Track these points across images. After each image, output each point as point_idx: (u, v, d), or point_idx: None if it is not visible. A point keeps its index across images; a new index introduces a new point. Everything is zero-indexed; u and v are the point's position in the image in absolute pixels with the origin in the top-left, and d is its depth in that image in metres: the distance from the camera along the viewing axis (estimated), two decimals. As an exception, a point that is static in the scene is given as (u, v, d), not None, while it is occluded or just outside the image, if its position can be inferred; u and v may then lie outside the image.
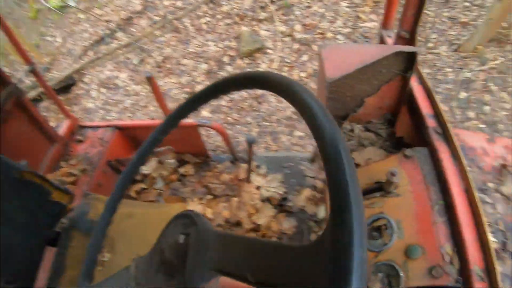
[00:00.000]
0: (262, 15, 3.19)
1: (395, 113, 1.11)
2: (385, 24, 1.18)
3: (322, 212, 1.58)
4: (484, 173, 0.87)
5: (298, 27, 3.07)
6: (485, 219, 0.72)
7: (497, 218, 0.81)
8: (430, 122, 0.91)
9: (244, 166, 1.73)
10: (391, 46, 1.06)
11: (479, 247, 0.71)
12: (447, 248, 0.73)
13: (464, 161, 0.80)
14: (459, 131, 0.92)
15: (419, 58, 0.99)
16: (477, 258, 0.70)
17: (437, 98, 0.94)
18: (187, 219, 0.47)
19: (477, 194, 0.75)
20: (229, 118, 2.71)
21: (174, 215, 0.49)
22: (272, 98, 2.74)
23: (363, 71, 0.95)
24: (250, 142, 1.40)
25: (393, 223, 0.78)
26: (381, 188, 0.85)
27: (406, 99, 1.03)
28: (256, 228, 1.54)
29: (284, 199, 1.65)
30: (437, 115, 0.91)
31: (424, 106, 0.95)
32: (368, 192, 0.87)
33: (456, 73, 2.71)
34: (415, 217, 0.78)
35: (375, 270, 0.78)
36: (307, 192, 1.64)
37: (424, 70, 2.67)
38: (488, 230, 0.71)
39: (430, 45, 2.90)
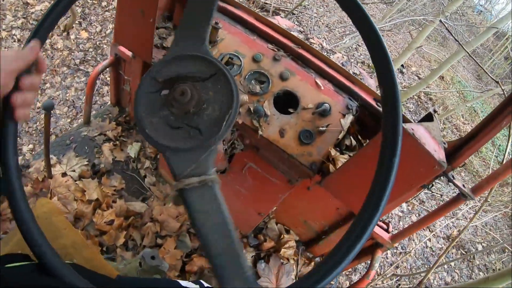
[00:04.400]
0: None
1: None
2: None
3: (132, 151, 1.59)
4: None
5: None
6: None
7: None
8: None
9: (34, 163, 1.42)
10: None
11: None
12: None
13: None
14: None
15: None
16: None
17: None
18: None
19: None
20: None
21: None
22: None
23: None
24: (47, 109, 1.00)
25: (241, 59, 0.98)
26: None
27: None
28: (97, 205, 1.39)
29: (93, 165, 1.53)
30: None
31: None
32: None
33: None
34: None
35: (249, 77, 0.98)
36: (106, 147, 1.57)
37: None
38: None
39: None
